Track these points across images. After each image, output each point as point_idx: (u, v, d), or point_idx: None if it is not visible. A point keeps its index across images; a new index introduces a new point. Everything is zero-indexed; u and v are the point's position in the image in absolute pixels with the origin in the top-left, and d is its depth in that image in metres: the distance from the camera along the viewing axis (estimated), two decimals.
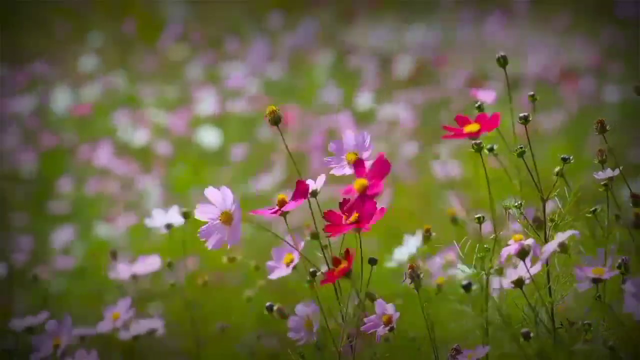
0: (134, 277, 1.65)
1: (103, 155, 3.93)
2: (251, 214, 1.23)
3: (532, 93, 1.32)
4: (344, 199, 1.18)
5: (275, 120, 1.25)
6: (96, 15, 5.83)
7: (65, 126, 4.47)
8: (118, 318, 1.51)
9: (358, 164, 1.16)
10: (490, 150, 1.28)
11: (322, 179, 1.23)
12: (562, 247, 1.16)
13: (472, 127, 1.22)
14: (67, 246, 3.35)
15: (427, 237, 1.45)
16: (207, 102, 4.33)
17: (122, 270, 1.65)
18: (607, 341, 1.16)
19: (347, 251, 1.19)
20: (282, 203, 1.22)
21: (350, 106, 4.34)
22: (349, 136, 1.24)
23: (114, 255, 1.67)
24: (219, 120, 4.25)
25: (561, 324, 1.22)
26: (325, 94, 4.49)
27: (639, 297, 1.07)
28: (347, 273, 1.19)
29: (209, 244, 1.18)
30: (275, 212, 1.22)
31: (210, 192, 1.18)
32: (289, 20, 5.55)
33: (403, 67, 4.75)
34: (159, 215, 1.61)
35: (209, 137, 4.05)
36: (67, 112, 4.54)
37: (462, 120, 1.24)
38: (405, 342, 1.28)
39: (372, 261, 1.24)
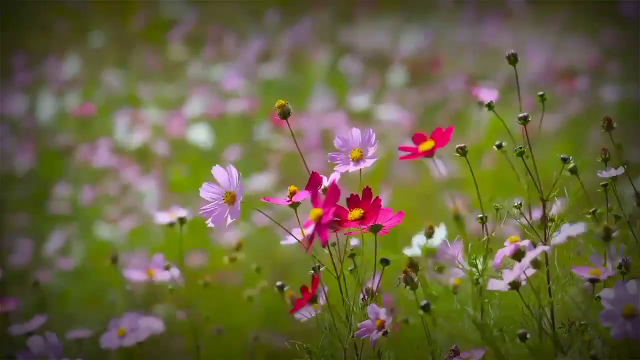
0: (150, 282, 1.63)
1: (101, 156, 3.93)
2: (264, 201, 1.27)
3: (541, 93, 1.33)
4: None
5: (285, 114, 1.26)
6: (96, 15, 5.82)
7: (64, 127, 4.46)
8: (124, 335, 1.46)
9: (313, 195, 1.18)
10: (499, 147, 1.28)
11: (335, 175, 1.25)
12: (535, 263, 1.15)
13: (426, 145, 1.22)
14: (66, 247, 3.35)
15: (429, 234, 1.45)
16: (202, 103, 4.33)
17: (136, 275, 1.63)
18: (603, 343, 1.15)
19: (313, 276, 1.23)
20: (293, 194, 1.24)
21: (345, 106, 4.35)
22: (356, 133, 1.25)
23: (114, 259, 1.67)
24: (214, 121, 4.24)
25: (562, 324, 1.22)
26: (320, 94, 4.48)
27: (612, 316, 1.05)
28: (312, 299, 1.24)
29: (210, 222, 1.21)
30: (286, 202, 1.24)
31: (217, 170, 1.22)
32: (288, 18, 5.55)
33: (398, 75, 4.74)
34: (161, 215, 1.60)
35: (204, 138, 4.05)
36: (65, 113, 4.54)
37: (419, 138, 1.24)
38: (405, 341, 1.29)
39: (384, 262, 1.25)
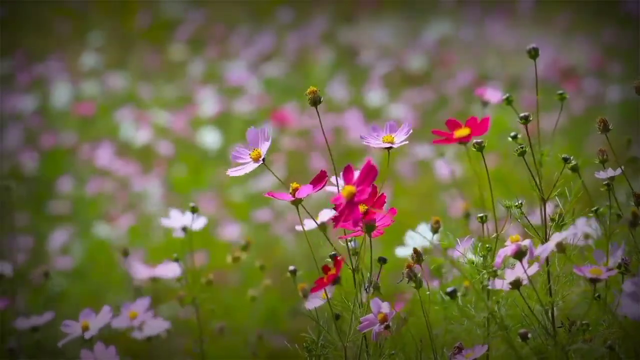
0: (154, 279, 1.64)
1: (104, 155, 3.93)
2: (268, 196, 1.29)
3: (561, 91, 1.33)
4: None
5: (315, 100, 1.28)
6: (96, 14, 5.82)
7: (66, 125, 4.47)
8: (136, 317, 1.49)
9: (346, 171, 1.18)
10: (514, 137, 1.28)
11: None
12: (560, 247, 1.15)
13: (462, 132, 1.22)
14: (67, 246, 3.35)
15: (435, 229, 1.45)
16: (208, 102, 4.32)
17: (141, 271, 1.64)
18: (606, 340, 1.15)
19: (336, 258, 1.22)
20: (295, 190, 1.25)
21: (359, 104, 4.34)
22: (392, 124, 1.29)
23: (125, 253, 1.69)
24: (219, 120, 4.24)
25: (562, 324, 1.21)
26: (329, 91, 4.48)
27: (636, 297, 1.07)
28: (335, 280, 1.22)
29: (233, 174, 1.29)
30: (290, 198, 1.25)
31: (250, 131, 1.32)
32: (294, 18, 5.55)
33: (416, 63, 4.76)
34: (177, 217, 1.58)
35: (210, 137, 4.05)
36: (68, 111, 4.54)
37: (453, 125, 1.24)
38: (409, 339, 1.28)
39: (382, 260, 1.26)
